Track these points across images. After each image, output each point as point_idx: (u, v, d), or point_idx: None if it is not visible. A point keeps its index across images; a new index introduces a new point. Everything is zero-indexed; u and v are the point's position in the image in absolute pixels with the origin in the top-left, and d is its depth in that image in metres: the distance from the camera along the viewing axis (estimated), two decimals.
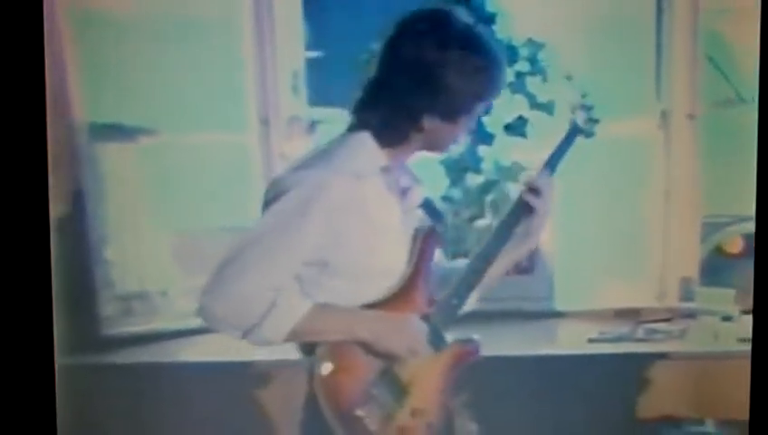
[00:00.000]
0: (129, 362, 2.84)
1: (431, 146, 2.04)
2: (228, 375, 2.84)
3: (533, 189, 2.07)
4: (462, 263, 2.13)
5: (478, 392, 2.15)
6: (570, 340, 3.15)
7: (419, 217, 2.06)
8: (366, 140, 1.96)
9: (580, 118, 2.18)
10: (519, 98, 3.00)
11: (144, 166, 2.97)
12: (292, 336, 1.89)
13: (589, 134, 2.16)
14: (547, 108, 3.00)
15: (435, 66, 1.91)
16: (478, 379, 2.10)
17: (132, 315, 2.92)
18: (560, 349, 3.11)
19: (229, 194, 3.04)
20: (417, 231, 2.01)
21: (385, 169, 1.96)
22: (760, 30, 1.76)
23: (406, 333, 1.98)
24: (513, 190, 3.02)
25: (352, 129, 1.97)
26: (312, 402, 1.94)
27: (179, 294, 3.01)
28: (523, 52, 2.98)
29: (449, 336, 2.03)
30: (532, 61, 2.98)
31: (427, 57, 1.92)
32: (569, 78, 2.31)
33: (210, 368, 2.85)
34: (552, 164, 2.12)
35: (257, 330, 1.86)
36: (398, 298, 1.97)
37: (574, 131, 2.17)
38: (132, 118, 2.92)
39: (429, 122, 1.94)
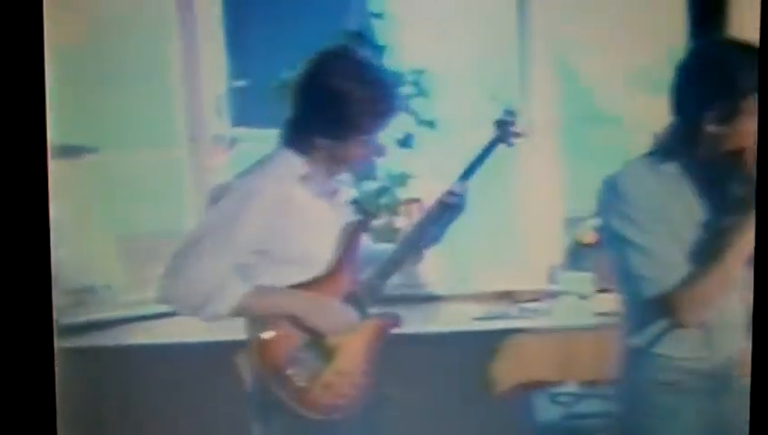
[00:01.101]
0: (81, 346, 3.03)
1: (338, 161, 2.22)
2: (168, 354, 3.05)
3: (451, 193, 2.35)
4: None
5: (385, 366, 2.38)
6: (458, 319, 3.37)
7: (350, 213, 2.32)
8: (287, 153, 2.17)
9: (503, 131, 2.42)
10: (406, 116, 3.23)
11: (90, 180, 3.16)
12: (234, 313, 2.12)
13: (510, 144, 2.43)
14: (430, 124, 3.28)
15: (325, 96, 2.12)
16: (384, 354, 2.36)
17: (83, 306, 3.11)
18: (450, 327, 3.34)
19: (163, 202, 3.26)
20: (347, 224, 2.27)
21: (304, 178, 2.18)
22: (760, 30, 1.77)
23: (329, 313, 2.20)
24: (403, 194, 3.33)
25: (280, 143, 2.19)
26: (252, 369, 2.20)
27: (123, 288, 3.21)
28: (409, 77, 3.23)
29: (372, 311, 2.28)
30: (417, 84, 3.24)
31: (320, 88, 2.13)
32: (494, 98, 2.50)
33: (153, 349, 3.07)
34: (468, 173, 2.40)
35: (205, 308, 2.09)
36: (327, 279, 2.21)
37: (494, 142, 2.41)
38: (79, 139, 3.11)
39: (321, 142, 2.16)
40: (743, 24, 3.19)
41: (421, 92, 3.26)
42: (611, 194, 2.10)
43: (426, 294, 3.43)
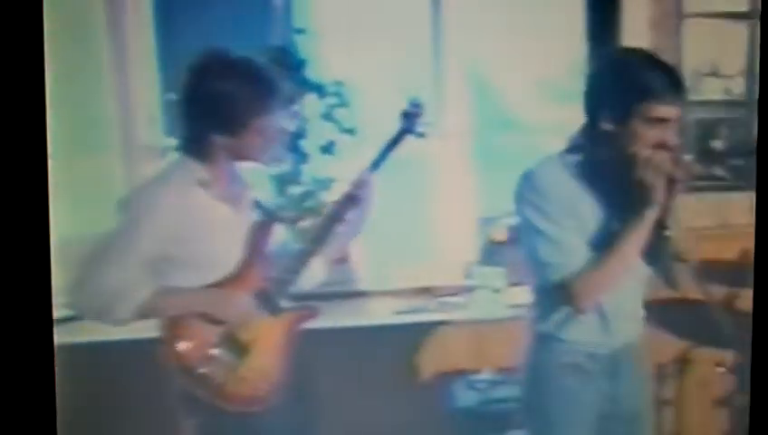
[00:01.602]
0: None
1: (240, 157, 2.27)
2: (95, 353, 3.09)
3: (357, 185, 2.39)
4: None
5: (309, 359, 2.45)
6: (381, 313, 3.50)
7: (255, 214, 2.35)
8: (186, 160, 2.23)
9: (411, 122, 2.45)
10: (329, 125, 3.38)
11: None
12: (139, 316, 2.17)
13: (420, 134, 2.47)
14: (351, 132, 3.39)
15: (209, 98, 2.17)
16: (309, 347, 2.43)
17: None
18: (374, 320, 3.45)
19: (96, 209, 3.12)
20: (253, 224, 2.31)
21: (203, 182, 2.22)
22: (760, 30, 1.75)
23: (234, 304, 2.24)
24: (327, 197, 3.36)
25: (179, 152, 2.26)
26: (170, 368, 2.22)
27: (57, 291, 3.25)
28: (331, 88, 3.35)
29: (286, 305, 2.31)
30: (338, 95, 3.36)
31: (202, 92, 2.19)
32: (401, 92, 2.53)
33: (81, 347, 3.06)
34: (375, 164, 2.43)
35: (110, 313, 2.15)
36: (236, 278, 2.25)
37: (401, 133, 2.45)
38: None
39: (218, 141, 2.20)
40: (632, 36, 3.49)
41: (342, 103, 3.38)
42: (526, 187, 2.25)
43: (349, 290, 3.53)
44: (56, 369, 1.72)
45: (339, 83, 3.38)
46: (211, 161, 2.25)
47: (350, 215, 2.43)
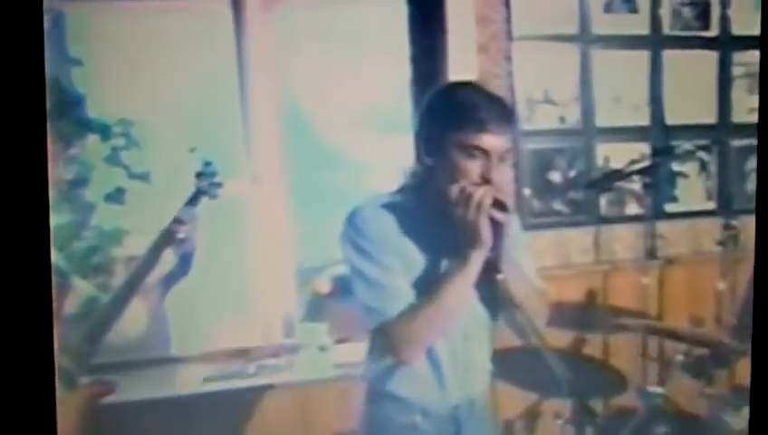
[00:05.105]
0: None
1: None
2: None
3: (179, 221, 2.29)
4: None
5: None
6: (187, 381, 3.23)
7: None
8: None
9: (204, 183, 2.39)
10: (117, 170, 3.05)
11: None
12: None
13: (213, 196, 2.42)
14: (143, 177, 3.07)
15: None
16: (108, 422, 2.34)
17: None
18: (179, 390, 3.18)
19: None
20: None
21: None
22: (760, 31, 1.69)
23: None
24: (117, 253, 3.09)
25: None
26: None
27: None
28: (117, 129, 3.04)
29: (85, 380, 2.17)
30: (126, 136, 3.04)
31: None
32: (192, 150, 2.43)
33: None
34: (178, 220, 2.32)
35: None
36: None
37: (197, 196, 2.39)
38: None
39: None
40: (459, 62, 3.34)
41: (132, 144, 3.07)
42: (350, 227, 2.08)
43: (153, 357, 3.27)
44: None
45: (126, 122, 3.06)
46: None
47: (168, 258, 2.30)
